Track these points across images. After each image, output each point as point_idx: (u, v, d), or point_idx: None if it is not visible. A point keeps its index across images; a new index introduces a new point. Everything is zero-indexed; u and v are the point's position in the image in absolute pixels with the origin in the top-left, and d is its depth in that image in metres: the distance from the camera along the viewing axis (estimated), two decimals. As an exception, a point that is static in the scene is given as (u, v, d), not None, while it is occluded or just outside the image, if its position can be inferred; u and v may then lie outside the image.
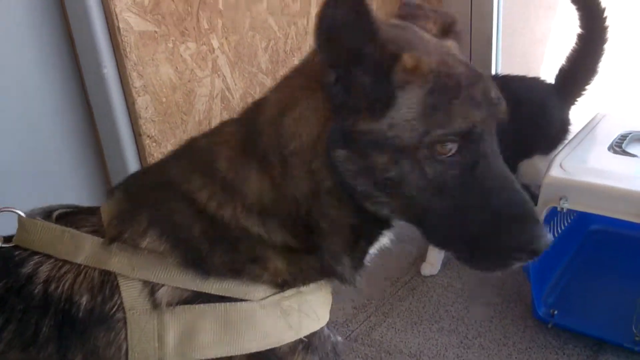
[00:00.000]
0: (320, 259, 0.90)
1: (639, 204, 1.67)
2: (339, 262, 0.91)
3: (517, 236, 0.83)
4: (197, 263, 0.85)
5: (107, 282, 0.85)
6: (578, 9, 2.10)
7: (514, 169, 2.34)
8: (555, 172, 1.86)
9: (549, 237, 0.83)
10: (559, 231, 2.07)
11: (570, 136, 2.25)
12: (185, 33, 1.98)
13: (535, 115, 2.23)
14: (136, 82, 1.82)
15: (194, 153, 0.95)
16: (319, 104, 0.84)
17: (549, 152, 2.24)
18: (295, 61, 2.71)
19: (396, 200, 0.84)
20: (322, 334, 0.94)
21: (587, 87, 2.19)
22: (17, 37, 1.68)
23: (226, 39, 2.15)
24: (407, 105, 0.80)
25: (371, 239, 0.95)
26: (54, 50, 1.78)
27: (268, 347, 0.87)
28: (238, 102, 2.21)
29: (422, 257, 2.48)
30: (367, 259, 0.98)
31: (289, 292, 0.89)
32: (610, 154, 1.97)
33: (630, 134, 2.08)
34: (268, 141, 0.87)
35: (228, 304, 0.85)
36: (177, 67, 1.96)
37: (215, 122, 1.65)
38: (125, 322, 0.84)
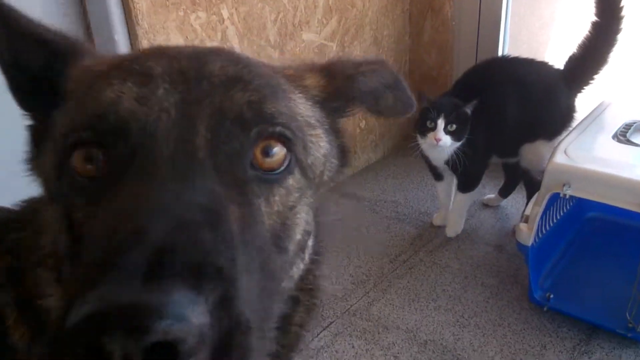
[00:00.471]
0: None
1: (641, 193, 1.69)
2: None
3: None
4: None
5: None
6: None
7: (515, 152, 2.35)
8: (559, 158, 1.88)
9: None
10: (558, 217, 2.10)
11: (574, 123, 2.26)
12: (196, 2, 1.96)
13: (542, 100, 2.23)
14: (146, 50, 1.81)
15: None
16: None
17: (552, 138, 2.26)
18: (303, 35, 2.70)
19: None
20: None
21: (596, 76, 2.19)
22: (28, 5, 1.66)
23: (236, 9, 2.13)
24: None
25: None
26: (67, 20, 1.75)
27: None
28: (245, 74, 2.20)
29: (420, 237, 2.51)
30: None
31: None
32: (615, 143, 1.99)
33: (634, 123, 2.09)
34: None
35: None
36: (187, 37, 1.94)
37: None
38: None
